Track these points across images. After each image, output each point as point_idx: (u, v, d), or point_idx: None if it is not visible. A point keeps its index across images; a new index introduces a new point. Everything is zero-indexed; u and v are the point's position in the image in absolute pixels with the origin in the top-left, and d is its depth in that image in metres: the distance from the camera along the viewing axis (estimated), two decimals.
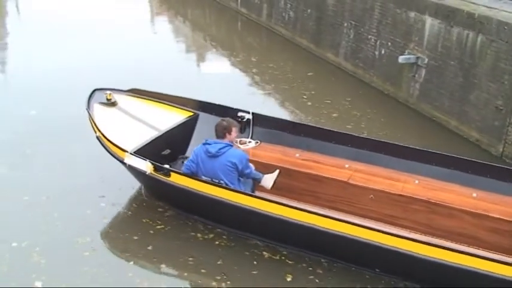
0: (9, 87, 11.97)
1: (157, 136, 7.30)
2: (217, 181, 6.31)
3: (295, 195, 6.92)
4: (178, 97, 8.15)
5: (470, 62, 9.10)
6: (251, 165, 6.62)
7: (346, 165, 7.04)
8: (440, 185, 6.65)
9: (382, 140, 7.49)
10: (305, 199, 6.87)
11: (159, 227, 6.76)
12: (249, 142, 7.64)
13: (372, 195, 6.55)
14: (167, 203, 7.09)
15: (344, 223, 5.63)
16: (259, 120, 7.84)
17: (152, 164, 6.46)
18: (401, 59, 10.53)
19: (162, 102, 8.15)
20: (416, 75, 10.42)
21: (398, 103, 10.95)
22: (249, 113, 7.82)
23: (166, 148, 7.32)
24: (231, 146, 6.48)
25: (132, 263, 6.28)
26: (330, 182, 6.75)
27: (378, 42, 11.62)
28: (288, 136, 7.65)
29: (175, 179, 6.43)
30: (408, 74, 10.65)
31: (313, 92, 11.65)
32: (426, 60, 10.12)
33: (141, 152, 6.78)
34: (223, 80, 12.72)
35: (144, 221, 6.87)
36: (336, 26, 13.19)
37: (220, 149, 6.35)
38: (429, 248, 5.31)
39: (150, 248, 6.43)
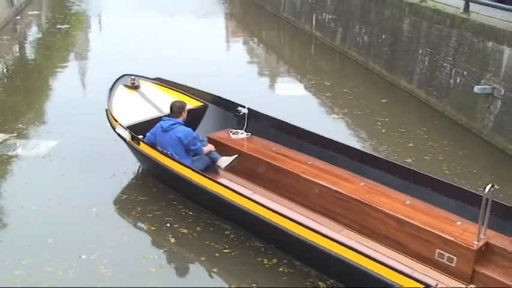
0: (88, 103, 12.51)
1: (157, 117, 8.34)
2: (166, 151, 7.51)
3: (257, 181, 7.84)
4: (194, 89, 9.40)
5: None
6: (203, 144, 7.85)
7: (309, 162, 7.82)
8: (381, 189, 7.11)
9: (345, 144, 7.98)
10: (265, 185, 7.75)
11: (226, 250, 6.87)
12: (241, 133, 8.66)
13: (317, 190, 7.22)
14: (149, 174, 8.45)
15: (258, 205, 6.45)
16: (254, 115, 8.79)
17: (130, 133, 7.84)
18: (476, 89, 10.29)
19: (178, 91, 9.37)
20: (492, 107, 10.17)
21: (471, 134, 10.69)
22: (245, 107, 8.75)
23: None
24: (181, 123, 7.68)
25: (195, 282, 6.43)
26: (287, 173, 7.56)
27: (453, 71, 11.42)
28: (274, 132, 8.58)
29: (143, 147, 7.78)
30: (483, 104, 10.40)
31: (387, 119, 11.52)
32: (503, 91, 9.86)
33: (137, 127, 8.07)
34: (297, 102, 12.79)
35: (206, 242, 7.01)
36: (411, 52, 13.06)
37: (171, 125, 7.63)
38: (335, 245, 5.79)
39: (215, 270, 6.58)
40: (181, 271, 6.66)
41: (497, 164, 9.60)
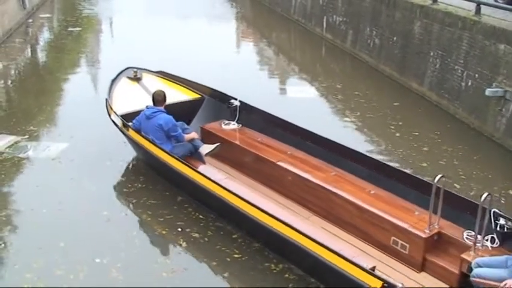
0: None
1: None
2: (148, 137, 8.03)
3: (240, 168, 8.41)
4: (193, 82, 9.98)
5: None
6: (186, 132, 8.31)
7: (289, 152, 8.26)
8: (350, 178, 7.49)
9: (321, 136, 8.25)
10: (247, 172, 8.32)
11: (236, 255, 6.86)
12: (233, 124, 9.13)
13: (290, 177, 7.68)
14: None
15: (222, 189, 6.90)
16: (245, 108, 9.22)
17: (121, 120, 8.50)
18: (488, 91, 10.22)
19: (178, 84, 10.02)
20: (504, 109, 10.09)
21: (484, 138, 10.62)
22: (237, 100, 9.21)
23: None
24: (163, 111, 8.18)
25: None
26: (266, 162, 8.04)
27: (464, 74, 11.36)
28: (262, 123, 9.02)
29: (131, 133, 8.36)
30: (495, 107, 10.33)
31: (400, 123, 11.47)
32: None
33: (132, 115, 8.60)
34: (309, 105, 12.77)
35: (217, 248, 7.01)
36: (422, 55, 13.00)
37: (153, 112, 8.16)
38: (290, 231, 6.09)
39: (226, 274, 6.60)
40: (193, 276, 6.63)
41: (511, 168, 9.52)
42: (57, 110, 12.23)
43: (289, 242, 6.11)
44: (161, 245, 7.21)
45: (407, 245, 6.28)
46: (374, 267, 5.75)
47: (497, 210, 6.00)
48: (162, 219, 7.64)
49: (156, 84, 9.77)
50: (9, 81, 14.67)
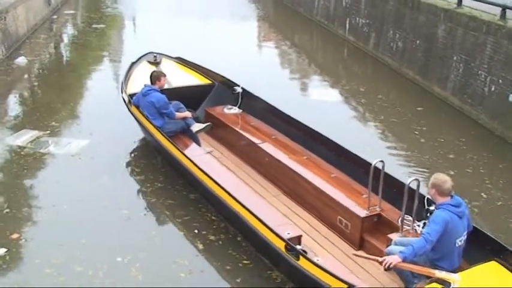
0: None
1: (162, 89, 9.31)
2: (144, 113, 8.83)
3: (229, 147, 9.31)
4: (207, 69, 10.82)
5: None
6: (181, 110, 9.03)
7: (273, 136, 8.98)
8: (318, 163, 8.12)
9: (302, 123, 8.85)
10: (234, 151, 9.18)
11: (245, 261, 6.86)
12: (234, 109, 9.82)
13: (267, 158, 8.39)
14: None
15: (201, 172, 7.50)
16: (247, 95, 9.91)
17: (128, 97, 9.38)
18: (511, 97, 10.11)
19: (192, 69, 10.91)
20: None
21: (508, 145, 10.47)
22: (239, 86, 9.83)
23: (176, 100, 9.28)
24: (156, 90, 8.92)
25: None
26: (250, 143, 8.79)
27: (488, 79, 11.24)
28: (259, 110, 9.72)
29: (133, 109, 9.19)
30: None
31: (424, 128, 11.35)
32: None
33: None
34: (332, 108, 12.71)
35: (229, 252, 7.04)
36: (445, 59, 12.89)
37: (147, 90, 8.91)
38: (237, 205, 6.73)
39: (239, 280, 6.62)
40: (209, 279, 6.66)
41: None
42: (80, 106, 12.37)
43: (232, 211, 6.88)
44: (179, 246, 7.23)
45: (349, 224, 6.84)
46: (300, 236, 6.44)
47: (430, 197, 6.04)
48: (180, 220, 7.70)
49: (172, 68, 10.77)
50: (33, 77, 14.85)
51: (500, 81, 10.79)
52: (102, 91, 13.26)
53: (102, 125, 10.81)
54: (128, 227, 7.48)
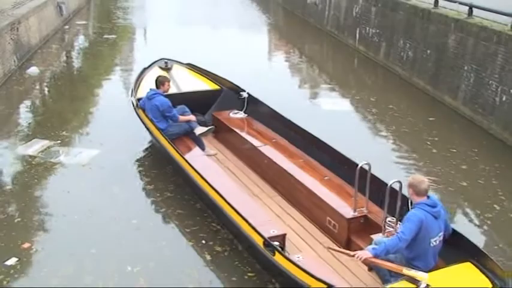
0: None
1: (171, 93, 9.80)
2: (149, 116, 9.17)
3: (233, 150, 9.63)
4: (216, 75, 11.18)
5: None
6: (185, 114, 9.38)
7: (273, 140, 9.29)
8: (313, 166, 8.37)
9: (300, 127, 9.13)
10: (237, 154, 9.50)
11: (250, 274, 6.82)
12: (240, 114, 10.23)
13: (266, 161, 8.67)
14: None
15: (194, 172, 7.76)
16: (253, 100, 10.34)
17: (136, 101, 9.71)
18: None
19: (202, 75, 11.30)
20: None
21: None
22: (245, 91, 10.35)
23: (183, 104, 9.65)
24: (160, 94, 9.28)
25: None
26: (252, 146, 9.08)
27: (499, 89, 11.19)
28: (262, 114, 10.07)
29: (140, 112, 9.52)
30: None
31: (436, 139, 11.28)
32: None
33: None
34: (343, 118, 12.66)
35: (235, 264, 7.01)
36: (456, 68, 12.85)
37: (152, 94, 9.29)
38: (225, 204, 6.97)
39: None
40: None
41: None
42: (90, 116, 12.44)
43: (221, 210, 7.11)
44: (187, 256, 7.21)
45: (337, 225, 7.07)
46: (284, 234, 6.68)
47: None
48: (188, 230, 7.70)
49: (183, 74, 11.30)
50: (45, 86, 14.97)
51: (511, 91, 10.76)
52: (113, 101, 13.35)
53: (113, 134, 10.87)
54: (137, 237, 7.49)
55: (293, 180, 7.98)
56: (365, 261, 5.76)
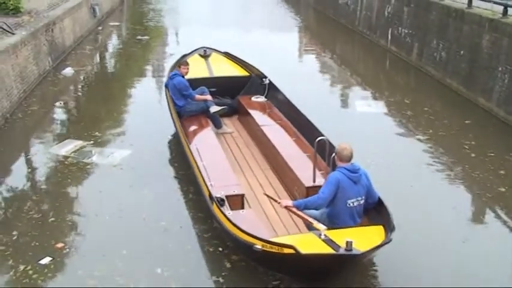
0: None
1: (204, 77, 11.59)
2: (170, 94, 10.52)
3: (248, 129, 10.74)
4: (248, 63, 12.40)
5: None
6: (204, 94, 10.52)
7: (279, 121, 10.23)
8: (300, 143, 9.31)
9: (304, 114, 9.88)
10: (250, 132, 10.54)
11: (275, 282, 6.67)
12: (260, 98, 11.33)
13: (265, 138, 9.56)
14: None
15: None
16: (272, 87, 11.50)
17: (166, 82, 10.89)
18: None
19: (236, 62, 12.56)
20: None
21: None
22: (267, 78, 11.62)
23: (215, 87, 11.11)
24: (179, 75, 10.49)
25: None
26: (257, 126, 10.09)
27: None
28: (279, 100, 11.08)
29: (166, 91, 10.86)
30: None
31: (473, 142, 11.01)
32: None
33: (190, 81, 10.67)
34: (379, 121, 12.46)
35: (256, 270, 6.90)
36: (490, 69, 12.65)
37: (172, 75, 10.59)
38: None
39: None
40: None
41: None
42: (123, 117, 12.58)
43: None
44: (212, 262, 7.11)
45: (300, 193, 7.85)
46: (242, 194, 7.60)
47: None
48: (206, 236, 7.61)
49: (219, 61, 12.49)
50: (79, 87, 15.20)
51: None
52: (145, 101, 13.50)
53: (144, 135, 10.97)
54: (165, 239, 7.50)
55: (277, 153, 8.97)
56: (286, 209, 6.75)
